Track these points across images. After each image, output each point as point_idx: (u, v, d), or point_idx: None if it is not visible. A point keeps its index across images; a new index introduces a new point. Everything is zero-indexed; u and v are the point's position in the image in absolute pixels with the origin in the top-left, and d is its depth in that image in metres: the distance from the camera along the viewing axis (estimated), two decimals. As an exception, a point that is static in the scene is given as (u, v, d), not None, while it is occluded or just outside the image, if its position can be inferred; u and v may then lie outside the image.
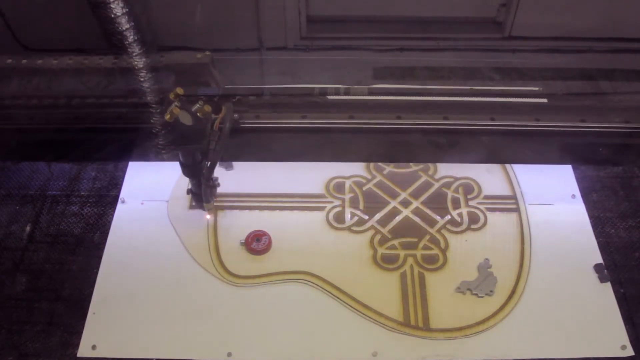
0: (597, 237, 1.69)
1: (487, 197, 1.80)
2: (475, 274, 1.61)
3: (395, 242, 1.68)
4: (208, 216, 1.74)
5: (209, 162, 1.47)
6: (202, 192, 1.58)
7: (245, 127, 1.60)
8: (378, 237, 1.70)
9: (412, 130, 1.58)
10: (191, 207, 1.75)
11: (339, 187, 1.83)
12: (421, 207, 1.77)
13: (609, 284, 1.59)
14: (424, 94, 1.59)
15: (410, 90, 1.61)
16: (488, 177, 1.85)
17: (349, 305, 1.55)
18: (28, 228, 1.75)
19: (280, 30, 1.61)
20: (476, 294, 1.56)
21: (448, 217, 1.74)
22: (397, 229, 1.72)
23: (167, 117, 1.32)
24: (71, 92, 1.59)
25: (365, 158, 1.85)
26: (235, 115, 1.50)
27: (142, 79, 1.53)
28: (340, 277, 1.60)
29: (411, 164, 1.88)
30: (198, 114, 1.37)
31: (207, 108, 1.37)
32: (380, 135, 1.62)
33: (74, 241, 1.71)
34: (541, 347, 1.47)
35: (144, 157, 1.78)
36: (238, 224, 1.72)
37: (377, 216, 1.74)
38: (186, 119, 1.35)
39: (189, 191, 1.64)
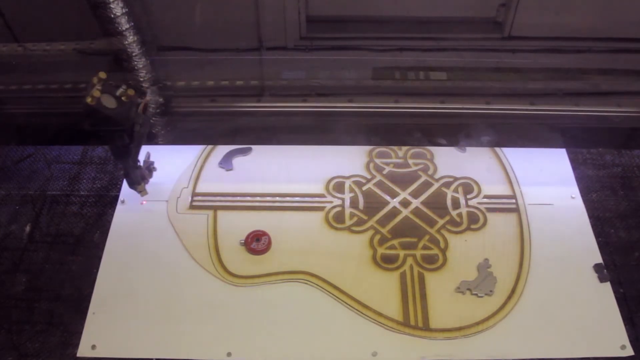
0: (596, 237, 1.69)
1: (486, 197, 1.80)
2: (474, 273, 1.61)
3: (395, 242, 1.68)
4: (144, 202, 1.75)
5: (135, 145, 1.51)
6: (132, 174, 1.61)
7: (246, 111, 1.61)
8: (378, 237, 1.70)
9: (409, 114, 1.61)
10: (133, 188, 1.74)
11: (339, 187, 1.83)
12: (421, 207, 1.77)
13: (608, 284, 1.59)
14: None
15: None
16: (488, 176, 1.85)
17: (349, 305, 1.55)
18: (28, 228, 1.76)
19: (280, 30, 1.61)
20: (476, 294, 1.56)
21: (448, 217, 1.74)
22: (397, 228, 1.72)
23: (89, 100, 1.35)
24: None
25: (365, 141, 1.86)
26: (160, 99, 1.53)
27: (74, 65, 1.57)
28: (340, 277, 1.60)
29: (411, 163, 1.88)
30: (122, 98, 1.41)
31: (131, 92, 1.42)
32: (379, 119, 1.64)
33: (74, 241, 1.71)
34: (541, 347, 1.47)
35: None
36: (238, 224, 1.72)
37: (377, 216, 1.75)
38: (109, 102, 1.38)
39: (123, 174, 1.66)
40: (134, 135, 1.49)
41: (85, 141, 1.91)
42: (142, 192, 1.70)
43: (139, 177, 1.65)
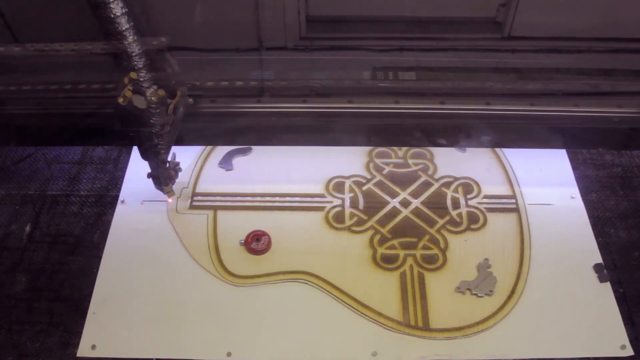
0: (596, 237, 1.70)
1: (486, 197, 1.80)
2: (474, 273, 1.61)
3: (395, 242, 1.69)
4: (169, 200, 1.76)
5: (164, 146, 1.52)
6: (160, 174, 1.61)
7: (247, 111, 1.62)
8: (378, 237, 1.70)
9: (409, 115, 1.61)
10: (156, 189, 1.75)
11: (339, 187, 1.83)
12: (421, 207, 1.77)
13: (608, 284, 1.59)
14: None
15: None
16: (488, 176, 1.85)
17: (349, 305, 1.55)
18: (28, 228, 1.76)
19: (279, 30, 1.61)
20: (476, 294, 1.56)
21: (447, 217, 1.74)
22: (397, 228, 1.72)
23: (121, 100, 1.35)
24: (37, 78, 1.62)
25: (365, 142, 1.86)
26: (190, 100, 1.53)
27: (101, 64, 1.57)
28: (340, 277, 1.60)
29: (411, 163, 1.88)
30: (153, 98, 1.41)
31: (161, 92, 1.42)
32: (379, 120, 1.64)
33: (74, 241, 1.71)
34: (541, 347, 1.47)
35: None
36: (238, 224, 1.72)
37: (377, 216, 1.75)
38: (140, 103, 1.39)
39: (149, 175, 1.66)
40: (164, 136, 1.49)
41: (85, 141, 1.92)
42: (170, 192, 1.70)
43: (167, 178, 1.65)
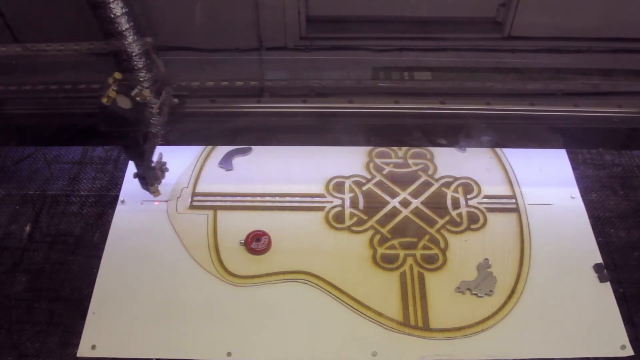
0: (596, 237, 1.70)
1: (486, 197, 1.80)
2: (474, 273, 1.61)
3: (395, 242, 1.69)
4: (156, 203, 1.76)
5: (149, 145, 1.52)
6: (146, 174, 1.61)
7: (248, 111, 1.62)
8: (378, 237, 1.70)
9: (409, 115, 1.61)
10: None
11: (339, 187, 1.83)
12: (421, 207, 1.77)
13: (608, 284, 1.59)
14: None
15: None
16: (488, 176, 1.85)
17: (349, 305, 1.55)
18: (28, 228, 1.76)
19: (279, 30, 1.61)
20: (476, 294, 1.56)
21: (447, 217, 1.74)
22: (397, 228, 1.72)
23: (105, 100, 1.35)
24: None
25: (365, 142, 1.86)
26: (175, 100, 1.53)
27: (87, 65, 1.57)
28: (340, 277, 1.60)
29: (411, 163, 1.88)
30: (137, 98, 1.40)
31: (147, 92, 1.41)
32: (379, 120, 1.64)
33: (74, 241, 1.72)
34: (541, 347, 1.47)
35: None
36: (238, 224, 1.72)
37: (377, 216, 1.75)
38: (125, 103, 1.38)
39: (135, 175, 1.66)
40: (149, 136, 1.49)
41: (85, 141, 1.91)
42: (155, 192, 1.70)
43: (153, 178, 1.65)
